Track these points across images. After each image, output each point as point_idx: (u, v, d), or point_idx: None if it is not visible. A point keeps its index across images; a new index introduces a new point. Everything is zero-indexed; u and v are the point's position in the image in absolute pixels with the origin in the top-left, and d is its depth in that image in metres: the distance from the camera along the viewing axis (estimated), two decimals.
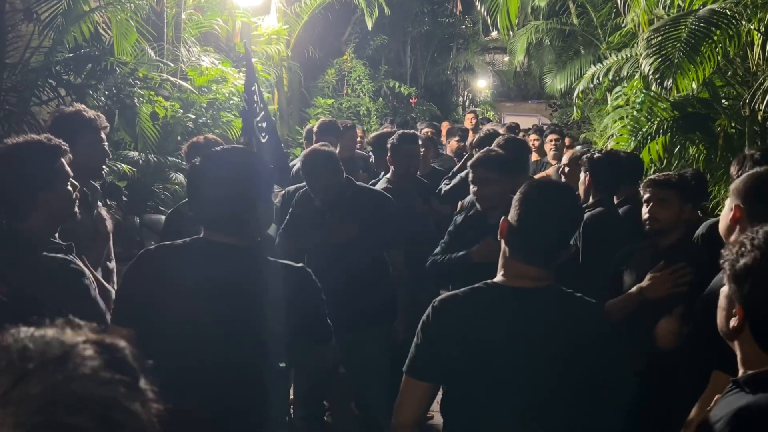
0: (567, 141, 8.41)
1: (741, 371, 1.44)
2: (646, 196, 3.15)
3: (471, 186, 3.55)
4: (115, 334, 0.73)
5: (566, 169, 4.73)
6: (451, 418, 1.97)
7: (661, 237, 3.12)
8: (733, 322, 1.41)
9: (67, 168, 2.31)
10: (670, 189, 3.11)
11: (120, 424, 0.63)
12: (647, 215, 3.11)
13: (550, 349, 1.84)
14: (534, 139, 7.50)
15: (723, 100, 5.79)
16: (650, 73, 4.88)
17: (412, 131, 4.88)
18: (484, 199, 3.48)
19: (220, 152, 2.12)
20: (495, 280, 1.96)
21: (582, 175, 3.98)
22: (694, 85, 5.05)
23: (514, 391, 1.82)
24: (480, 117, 11.60)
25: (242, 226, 2.02)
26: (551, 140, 6.91)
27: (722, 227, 2.41)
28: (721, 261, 1.45)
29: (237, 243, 2.01)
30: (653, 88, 4.93)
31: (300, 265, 2.17)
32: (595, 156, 3.93)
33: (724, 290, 1.46)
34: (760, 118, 5.18)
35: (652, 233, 3.12)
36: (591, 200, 3.89)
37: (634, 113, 5.85)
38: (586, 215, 3.78)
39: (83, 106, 3.05)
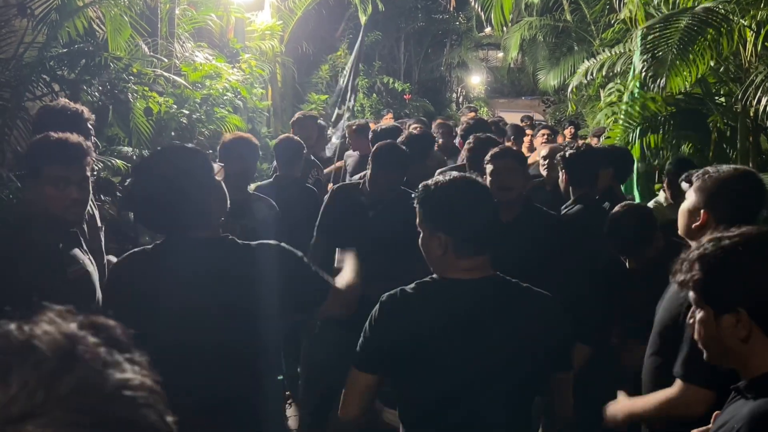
0: (569, 132, 8.44)
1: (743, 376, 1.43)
2: None
3: (490, 178, 3.50)
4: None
5: (544, 161, 4.71)
6: (404, 413, 2.04)
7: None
8: (742, 333, 1.39)
9: (87, 171, 2.37)
10: None
11: (142, 401, 0.65)
12: None
13: (495, 337, 1.91)
14: (529, 134, 7.58)
15: (716, 97, 5.82)
16: (643, 70, 4.90)
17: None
18: (504, 189, 3.42)
19: (152, 161, 2.12)
20: (437, 275, 2.01)
21: (560, 173, 3.99)
22: (687, 83, 5.07)
23: (462, 380, 1.90)
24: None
25: (203, 220, 2.04)
26: (543, 134, 6.95)
27: (685, 228, 2.39)
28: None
29: (207, 236, 2.04)
30: (649, 84, 4.96)
31: (273, 242, 2.17)
32: (568, 153, 3.92)
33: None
34: (752, 114, 5.21)
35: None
36: (571, 198, 3.89)
37: (628, 109, 5.86)
38: (564, 214, 3.79)
39: (66, 100, 3.07)
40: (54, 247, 2.37)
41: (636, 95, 5.62)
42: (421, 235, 2.05)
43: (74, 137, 2.39)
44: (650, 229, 3.18)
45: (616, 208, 3.31)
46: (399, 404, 2.06)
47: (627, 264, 3.23)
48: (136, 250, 2.13)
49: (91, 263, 2.56)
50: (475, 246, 1.97)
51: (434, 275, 2.02)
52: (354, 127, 6.42)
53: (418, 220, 2.05)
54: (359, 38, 7.30)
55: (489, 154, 3.52)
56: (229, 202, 2.14)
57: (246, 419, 2.03)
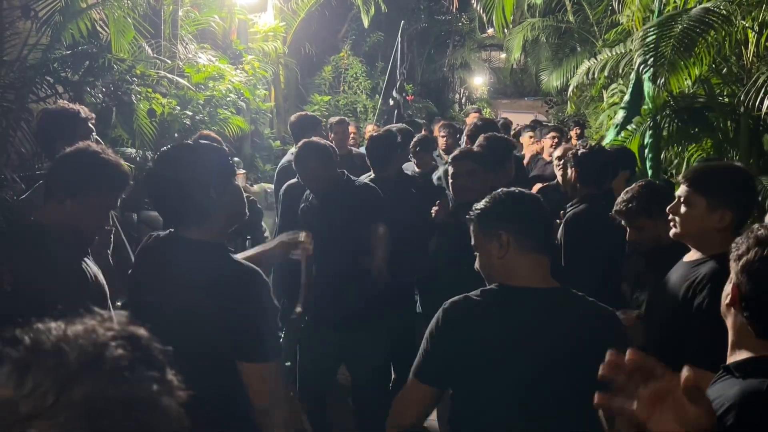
0: (575, 133, 8.35)
1: (730, 358, 1.47)
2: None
3: (451, 180, 3.57)
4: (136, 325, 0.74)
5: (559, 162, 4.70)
6: (462, 424, 1.93)
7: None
8: (725, 300, 1.45)
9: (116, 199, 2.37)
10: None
11: (156, 422, 0.66)
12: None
13: (564, 349, 1.83)
14: (529, 136, 7.53)
15: (719, 98, 5.81)
16: (643, 70, 4.90)
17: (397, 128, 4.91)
18: (464, 191, 3.48)
19: (168, 153, 2.10)
20: (506, 282, 1.93)
21: (569, 171, 3.98)
22: (689, 83, 5.07)
23: (530, 392, 1.81)
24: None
25: (202, 221, 2.00)
26: (552, 137, 6.90)
27: (695, 228, 2.32)
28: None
29: (201, 238, 2.00)
30: (648, 82, 4.95)
31: (253, 267, 2.01)
32: (580, 152, 3.93)
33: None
34: (754, 115, 5.20)
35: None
36: (577, 196, 3.89)
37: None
38: (569, 212, 3.80)
39: (65, 102, 3.09)
40: (73, 259, 2.34)
41: (647, 94, 5.52)
42: (477, 256, 2.01)
43: (120, 161, 2.37)
44: (660, 201, 3.06)
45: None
46: (456, 416, 1.94)
47: (627, 236, 3.13)
48: (156, 234, 2.20)
49: (99, 272, 2.54)
50: (536, 241, 1.94)
51: (504, 281, 1.93)
52: (332, 124, 6.54)
53: (474, 238, 2.00)
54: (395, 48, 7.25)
55: (450, 156, 3.60)
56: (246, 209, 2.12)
57: (229, 419, 1.98)
